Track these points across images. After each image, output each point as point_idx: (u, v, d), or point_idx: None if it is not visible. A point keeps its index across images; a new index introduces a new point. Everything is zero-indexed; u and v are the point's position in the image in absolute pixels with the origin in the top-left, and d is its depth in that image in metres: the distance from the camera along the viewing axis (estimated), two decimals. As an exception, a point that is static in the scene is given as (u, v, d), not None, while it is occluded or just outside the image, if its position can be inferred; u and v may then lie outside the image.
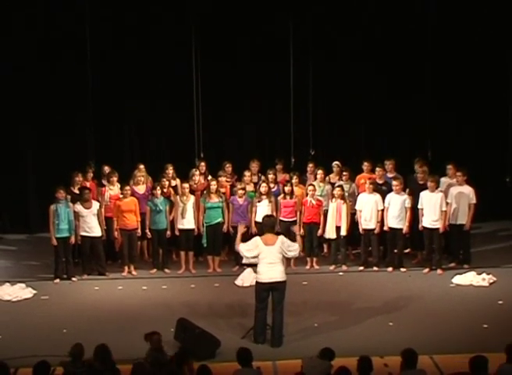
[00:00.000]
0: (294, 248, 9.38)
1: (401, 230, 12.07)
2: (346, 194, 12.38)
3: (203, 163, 13.14)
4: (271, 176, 12.77)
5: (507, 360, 7.04)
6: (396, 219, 12.04)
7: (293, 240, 9.57)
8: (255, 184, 12.77)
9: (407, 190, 12.36)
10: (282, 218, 12.24)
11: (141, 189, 12.53)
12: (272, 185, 12.61)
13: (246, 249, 9.33)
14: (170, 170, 12.82)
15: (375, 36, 14.50)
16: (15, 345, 9.20)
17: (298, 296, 10.68)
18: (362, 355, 6.97)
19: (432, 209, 11.88)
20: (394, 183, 12.07)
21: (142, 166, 12.90)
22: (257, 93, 14.82)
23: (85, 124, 14.42)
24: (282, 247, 9.20)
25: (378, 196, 12.13)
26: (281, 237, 9.36)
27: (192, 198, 12.24)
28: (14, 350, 8.92)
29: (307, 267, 12.39)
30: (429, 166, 12.90)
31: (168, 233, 12.27)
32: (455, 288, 11.39)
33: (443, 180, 12.60)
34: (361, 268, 12.30)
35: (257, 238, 9.35)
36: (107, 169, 12.88)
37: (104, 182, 12.78)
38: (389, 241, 12.25)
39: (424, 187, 12.09)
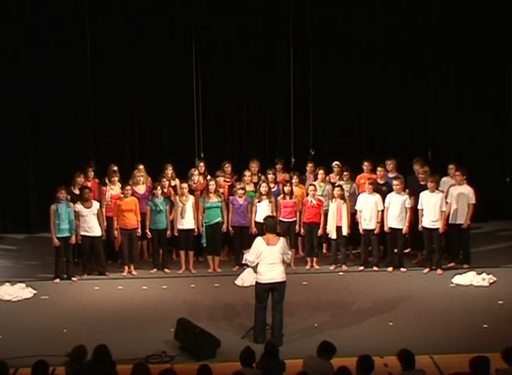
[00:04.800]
0: (290, 253, 9.56)
1: (401, 230, 12.07)
2: (347, 194, 12.38)
3: (202, 163, 13.14)
4: (270, 176, 12.76)
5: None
6: (396, 219, 12.04)
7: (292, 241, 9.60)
8: (255, 184, 12.77)
9: (407, 190, 12.35)
10: (281, 218, 12.22)
11: (141, 189, 12.52)
12: (271, 185, 12.60)
13: (248, 253, 9.39)
14: (169, 170, 12.81)
15: (376, 36, 14.51)
16: (15, 345, 9.20)
17: (298, 296, 10.69)
18: (363, 355, 6.95)
19: (432, 209, 11.87)
20: (395, 182, 12.07)
21: (142, 167, 12.88)
22: (257, 93, 14.82)
23: (86, 124, 14.41)
24: (283, 248, 9.23)
25: (378, 196, 12.13)
26: (282, 239, 9.39)
27: (191, 198, 12.24)
28: (14, 350, 8.93)
29: (307, 267, 12.39)
30: (429, 166, 12.91)
31: (169, 233, 12.26)
32: (455, 288, 11.39)
33: (444, 179, 12.61)
34: (361, 268, 12.30)
35: (258, 239, 9.36)
36: (114, 168, 12.84)
37: (106, 181, 12.74)
38: (389, 241, 12.25)
39: (425, 188, 12.09)
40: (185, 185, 12.25)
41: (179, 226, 12.21)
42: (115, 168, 12.80)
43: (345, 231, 12.15)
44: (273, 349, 7.54)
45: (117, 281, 11.85)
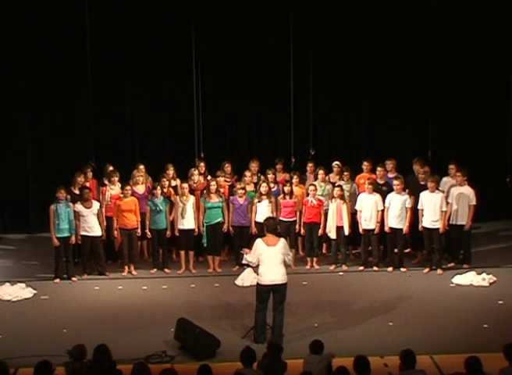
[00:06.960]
0: (290, 254, 9.51)
1: (401, 230, 12.07)
2: (347, 194, 12.37)
3: (202, 163, 13.15)
4: (270, 176, 12.76)
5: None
6: (396, 219, 12.03)
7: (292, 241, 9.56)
8: (255, 184, 12.77)
9: (407, 190, 12.35)
10: (281, 218, 12.22)
11: (141, 189, 12.52)
12: (271, 185, 12.60)
13: (249, 254, 9.39)
14: (171, 171, 12.82)
15: (376, 36, 14.50)
16: (15, 345, 9.21)
17: (298, 296, 10.68)
18: (358, 355, 6.95)
19: (432, 209, 11.87)
20: (395, 182, 12.06)
21: (142, 167, 12.89)
22: (257, 93, 14.79)
23: (86, 123, 14.40)
24: (283, 248, 9.22)
25: (378, 196, 12.13)
26: (283, 239, 9.38)
27: (192, 198, 12.25)
28: (14, 350, 8.94)
29: (307, 267, 12.38)
30: (429, 166, 12.90)
31: (168, 233, 12.26)
32: (455, 288, 11.39)
33: (445, 179, 12.61)
34: (361, 268, 12.29)
35: (258, 240, 9.35)
36: (110, 168, 12.87)
37: (106, 181, 12.76)
38: (389, 241, 12.25)
39: (425, 188, 12.09)
40: (186, 185, 12.25)
41: (180, 226, 12.21)
42: (111, 168, 12.82)
43: (346, 231, 12.15)
44: (277, 349, 7.54)
45: (117, 281, 11.85)
